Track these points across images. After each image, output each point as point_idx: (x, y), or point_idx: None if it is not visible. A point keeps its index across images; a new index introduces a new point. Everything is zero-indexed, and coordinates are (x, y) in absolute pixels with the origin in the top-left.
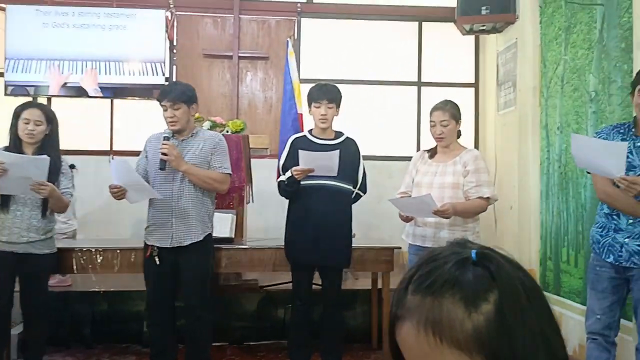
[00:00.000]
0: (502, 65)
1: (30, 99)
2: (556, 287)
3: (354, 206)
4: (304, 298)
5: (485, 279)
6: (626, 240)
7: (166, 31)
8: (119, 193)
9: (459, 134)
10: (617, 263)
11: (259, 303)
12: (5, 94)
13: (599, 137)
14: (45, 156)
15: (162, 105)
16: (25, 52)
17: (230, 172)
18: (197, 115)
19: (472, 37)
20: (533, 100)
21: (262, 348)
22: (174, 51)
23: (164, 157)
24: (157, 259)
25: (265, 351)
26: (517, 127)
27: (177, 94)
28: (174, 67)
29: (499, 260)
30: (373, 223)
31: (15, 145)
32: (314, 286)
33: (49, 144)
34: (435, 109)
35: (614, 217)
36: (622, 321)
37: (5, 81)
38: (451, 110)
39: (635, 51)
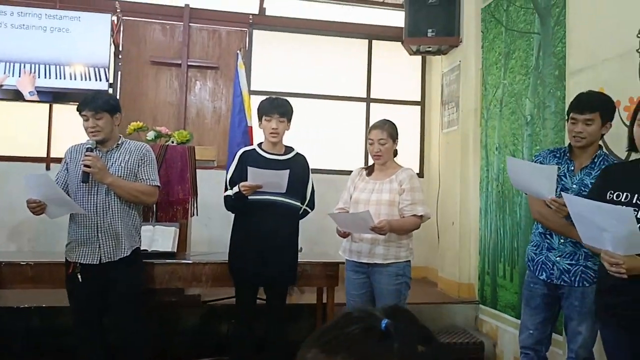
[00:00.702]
0: (447, 85)
1: None
2: (493, 301)
3: (300, 220)
4: (247, 314)
5: (384, 352)
6: (557, 258)
7: (112, 36)
8: (37, 208)
9: (395, 153)
10: (549, 280)
11: (201, 318)
12: None
13: (536, 160)
14: None
15: (82, 116)
16: None
17: (159, 185)
18: (140, 124)
19: (419, 57)
20: (474, 121)
21: None
22: (120, 56)
23: (87, 170)
24: (79, 277)
25: None
26: (459, 146)
27: (99, 103)
28: (119, 72)
29: (409, 337)
30: (319, 237)
31: None
32: (258, 301)
33: None
34: (373, 127)
35: (548, 236)
36: (554, 335)
37: None
38: (389, 129)
39: (568, 79)
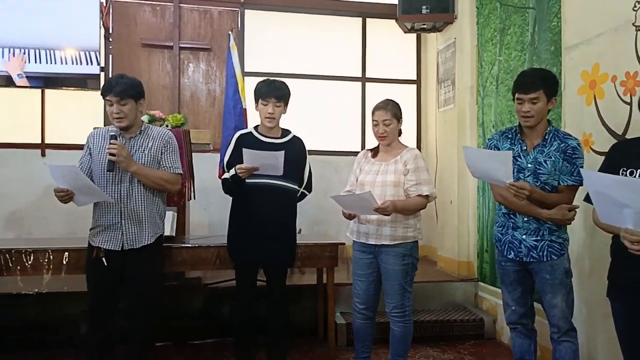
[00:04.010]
0: (442, 63)
1: None
2: (492, 278)
3: (299, 203)
4: (248, 296)
5: None
6: (523, 237)
7: (101, 18)
8: (65, 197)
9: (400, 133)
10: (517, 259)
11: (203, 301)
12: None
13: (490, 143)
14: None
15: (107, 100)
16: None
17: (182, 172)
18: None
19: (414, 35)
20: (471, 98)
21: (206, 346)
22: (110, 39)
23: (112, 158)
24: (104, 260)
25: (211, 350)
26: (455, 124)
27: (123, 88)
28: (110, 56)
29: None
30: (319, 218)
31: None
32: (259, 282)
33: None
34: (377, 108)
35: (511, 216)
36: (539, 306)
37: None
38: (393, 109)
39: (564, 54)
